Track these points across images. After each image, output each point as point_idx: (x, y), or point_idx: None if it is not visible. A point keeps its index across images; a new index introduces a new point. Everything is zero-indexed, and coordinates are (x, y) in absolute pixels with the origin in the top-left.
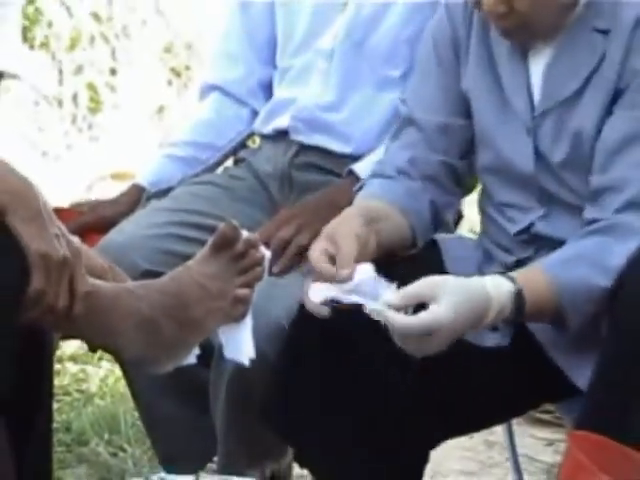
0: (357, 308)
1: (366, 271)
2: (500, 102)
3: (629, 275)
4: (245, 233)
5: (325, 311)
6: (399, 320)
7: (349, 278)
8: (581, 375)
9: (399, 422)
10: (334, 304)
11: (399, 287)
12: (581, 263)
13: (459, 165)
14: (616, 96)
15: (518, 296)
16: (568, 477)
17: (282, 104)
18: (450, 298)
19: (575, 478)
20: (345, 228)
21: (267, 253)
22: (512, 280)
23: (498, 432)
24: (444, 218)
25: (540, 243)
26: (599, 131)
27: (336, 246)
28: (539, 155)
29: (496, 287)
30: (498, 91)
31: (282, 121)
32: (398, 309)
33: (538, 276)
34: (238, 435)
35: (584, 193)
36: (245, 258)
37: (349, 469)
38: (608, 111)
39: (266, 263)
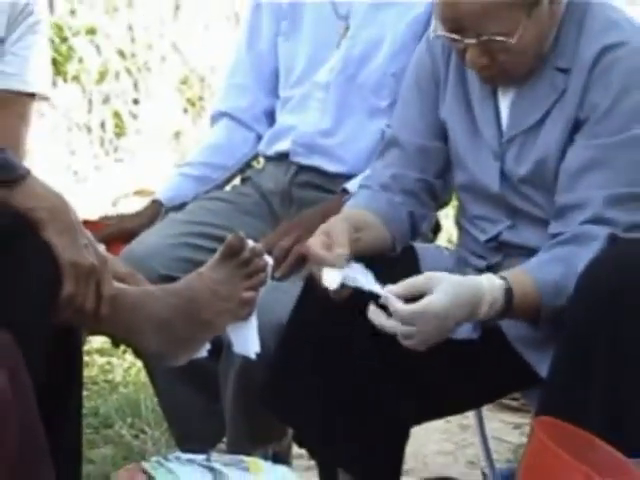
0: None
1: (357, 267)
2: (472, 131)
3: (585, 276)
4: (250, 243)
5: (342, 293)
6: (400, 305)
7: (345, 256)
8: (544, 367)
9: (383, 404)
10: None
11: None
12: (557, 265)
13: (435, 182)
14: (576, 126)
15: (508, 292)
16: (533, 455)
17: (284, 130)
18: (446, 288)
19: (538, 456)
20: (338, 226)
21: (270, 260)
22: (503, 278)
23: (471, 417)
24: (420, 228)
25: (507, 250)
26: (560, 155)
27: (331, 238)
28: (504, 176)
29: (490, 282)
30: (471, 122)
31: (284, 145)
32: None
33: (523, 276)
34: (244, 419)
35: (545, 206)
36: (250, 265)
37: (340, 446)
38: (569, 139)
39: (269, 269)
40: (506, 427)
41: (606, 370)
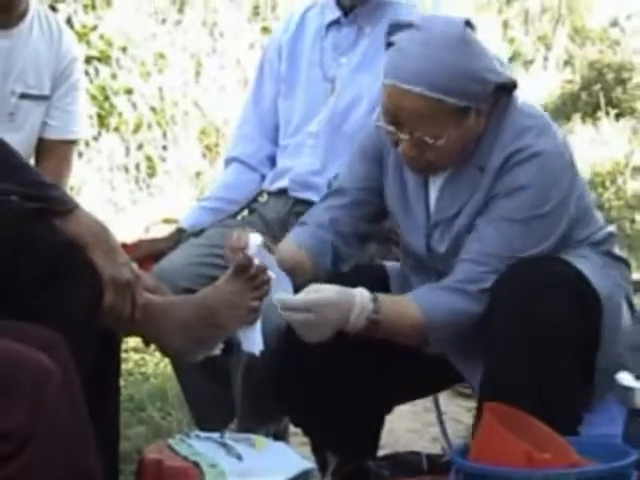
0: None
1: (256, 239)
2: (406, 207)
3: (497, 290)
4: (256, 261)
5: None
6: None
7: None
8: (475, 378)
9: (362, 393)
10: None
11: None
12: (441, 292)
13: (368, 228)
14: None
15: (375, 298)
16: (483, 434)
17: (283, 171)
18: (329, 289)
19: (487, 434)
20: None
21: (272, 275)
22: (373, 293)
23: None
24: (342, 264)
25: None
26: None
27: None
28: (430, 248)
29: (360, 293)
30: (405, 199)
31: (283, 182)
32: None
33: (399, 297)
34: (250, 404)
35: None
36: (256, 279)
37: (327, 427)
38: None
39: (271, 283)
40: (461, 410)
41: (529, 368)
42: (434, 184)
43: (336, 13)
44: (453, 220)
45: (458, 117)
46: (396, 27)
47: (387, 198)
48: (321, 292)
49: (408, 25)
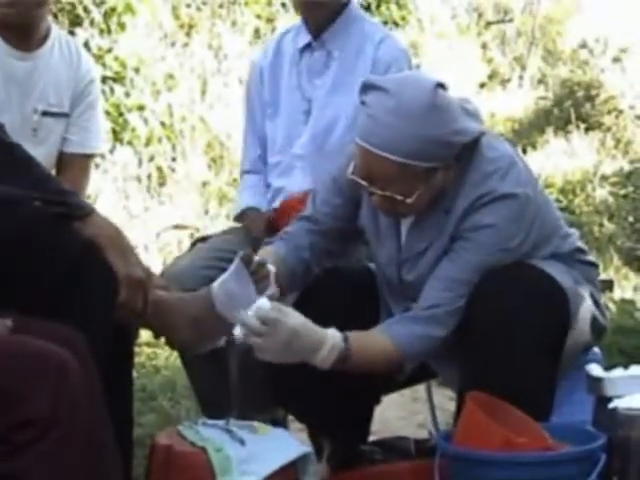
0: None
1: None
2: (379, 240)
3: (471, 303)
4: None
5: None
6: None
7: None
8: (452, 380)
9: (355, 389)
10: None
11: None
12: (413, 322)
13: (344, 246)
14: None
15: (345, 337)
16: (465, 420)
17: (277, 190)
18: (299, 317)
19: (470, 421)
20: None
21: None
22: (344, 333)
23: (420, 391)
24: (309, 279)
25: None
26: (433, 270)
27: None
28: (401, 278)
29: (332, 332)
30: (378, 232)
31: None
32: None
33: (371, 333)
34: (245, 395)
35: None
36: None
37: (322, 417)
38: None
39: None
40: (445, 399)
41: (506, 362)
42: (405, 222)
43: (307, 38)
44: (421, 256)
45: (427, 176)
46: (369, 87)
47: (362, 224)
48: (285, 316)
49: (380, 88)
